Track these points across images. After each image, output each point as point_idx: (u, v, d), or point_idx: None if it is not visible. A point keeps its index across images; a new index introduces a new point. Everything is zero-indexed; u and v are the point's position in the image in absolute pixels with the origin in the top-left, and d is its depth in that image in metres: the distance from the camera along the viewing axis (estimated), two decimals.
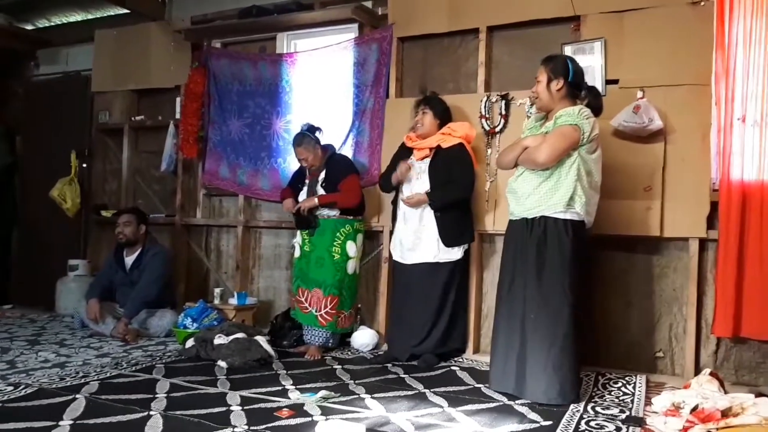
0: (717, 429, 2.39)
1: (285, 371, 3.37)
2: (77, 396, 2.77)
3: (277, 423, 2.48)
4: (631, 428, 2.53)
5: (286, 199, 4.06)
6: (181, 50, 5.14)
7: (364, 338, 4.02)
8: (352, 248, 3.92)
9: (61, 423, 2.41)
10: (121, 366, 3.41)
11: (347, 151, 4.37)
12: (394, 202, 3.88)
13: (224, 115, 4.91)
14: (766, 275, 3.14)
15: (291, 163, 4.51)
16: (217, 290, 4.63)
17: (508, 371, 2.93)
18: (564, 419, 2.62)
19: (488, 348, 3.39)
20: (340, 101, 4.47)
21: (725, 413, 2.47)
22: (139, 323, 4.32)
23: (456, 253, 3.65)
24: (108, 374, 3.22)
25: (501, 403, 2.84)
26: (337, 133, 4.38)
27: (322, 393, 2.90)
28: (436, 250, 3.62)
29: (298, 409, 2.65)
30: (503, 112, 3.86)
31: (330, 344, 3.92)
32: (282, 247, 4.85)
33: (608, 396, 3.01)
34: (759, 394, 2.74)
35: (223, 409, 2.66)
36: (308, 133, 3.95)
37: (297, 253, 4.07)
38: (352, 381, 3.19)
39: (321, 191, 3.92)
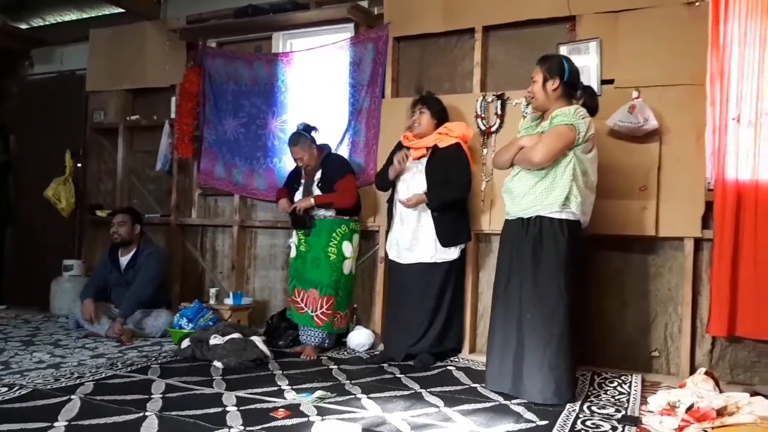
0: (712, 428, 2.40)
1: (281, 371, 3.37)
2: (72, 397, 2.76)
3: (273, 423, 2.48)
4: (626, 427, 2.53)
5: (281, 199, 4.06)
6: (176, 50, 5.13)
7: (360, 338, 4.02)
8: (348, 248, 3.92)
9: (56, 424, 2.40)
10: (116, 366, 3.39)
11: (343, 151, 4.36)
12: (390, 201, 3.88)
13: (219, 114, 4.90)
14: (761, 274, 3.15)
15: (287, 163, 4.50)
16: (212, 290, 4.62)
17: (504, 371, 2.93)
18: (560, 419, 2.63)
19: (484, 348, 3.39)
20: (336, 101, 4.46)
21: (720, 412, 2.48)
22: (135, 323, 4.30)
23: (453, 253, 3.65)
24: (103, 375, 3.21)
25: (497, 403, 2.85)
26: (333, 132, 4.37)
27: (318, 393, 2.90)
28: (433, 250, 3.62)
29: (294, 410, 2.65)
30: (499, 112, 3.87)
31: (326, 344, 3.92)
32: (278, 247, 4.85)
33: (604, 395, 3.01)
34: (754, 393, 2.75)
35: (219, 409, 2.65)
36: (304, 132, 3.94)
37: (293, 253, 4.07)
38: (348, 381, 3.19)
39: (317, 191, 3.92)
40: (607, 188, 3.35)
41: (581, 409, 2.76)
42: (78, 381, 3.06)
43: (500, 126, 3.87)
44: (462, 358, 3.77)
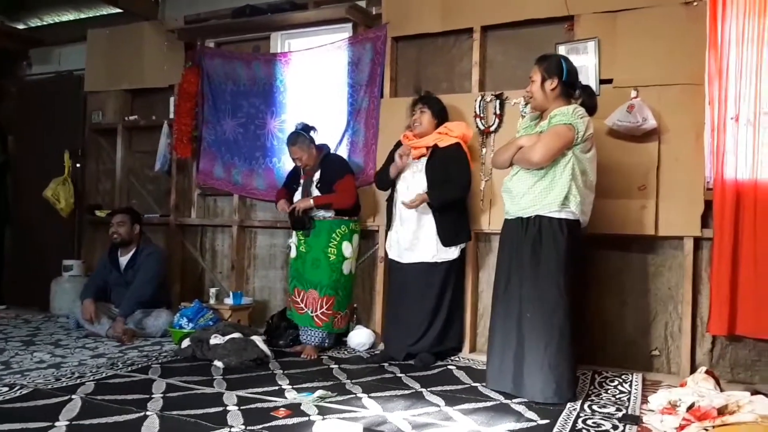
0: (713, 427, 2.40)
1: (281, 371, 3.37)
2: (73, 396, 2.76)
3: (273, 423, 2.48)
4: (627, 426, 2.54)
5: (280, 201, 4.06)
6: (174, 50, 5.12)
7: (360, 338, 4.03)
8: (347, 249, 3.92)
9: (57, 424, 2.41)
10: (117, 366, 3.39)
11: (342, 151, 4.36)
12: (389, 201, 3.88)
13: (218, 114, 4.90)
14: (761, 273, 3.16)
15: (286, 163, 4.50)
16: (212, 290, 4.62)
17: (504, 370, 2.94)
18: (561, 418, 2.63)
19: (484, 347, 3.40)
20: (335, 101, 4.46)
21: (721, 411, 2.48)
22: (135, 323, 4.30)
23: (453, 253, 3.65)
24: (104, 374, 3.21)
25: (498, 402, 2.85)
26: (332, 132, 4.37)
27: (319, 393, 2.90)
28: (434, 250, 3.63)
29: (294, 409, 2.65)
30: (498, 112, 3.87)
31: (326, 344, 3.92)
32: (277, 247, 4.85)
33: (605, 394, 3.02)
34: (755, 392, 2.75)
35: (220, 409, 2.65)
36: (302, 132, 3.94)
37: (293, 254, 4.07)
38: (348, 380, 3.20)
39: (316, 191, 3.92)
40: (607, 188, 3.36)
41: (582, 408, 2.77)
42: (79, 381, 3.06)
43: (499, 126, 3.87)
44: (462, 358, 3.77)
